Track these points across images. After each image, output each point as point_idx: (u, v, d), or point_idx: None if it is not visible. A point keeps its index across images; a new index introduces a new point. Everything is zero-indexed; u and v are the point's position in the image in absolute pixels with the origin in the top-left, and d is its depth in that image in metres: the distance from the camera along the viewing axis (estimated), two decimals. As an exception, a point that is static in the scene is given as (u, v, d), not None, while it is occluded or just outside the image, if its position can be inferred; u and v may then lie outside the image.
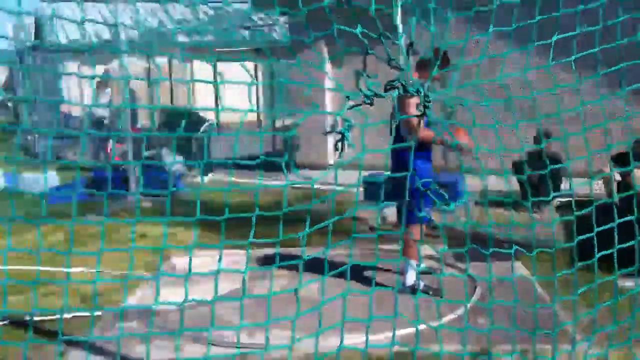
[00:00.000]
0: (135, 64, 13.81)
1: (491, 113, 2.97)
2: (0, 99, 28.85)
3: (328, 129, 2.91)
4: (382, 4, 2.87)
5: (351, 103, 2.71)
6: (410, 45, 2.78)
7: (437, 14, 2.78)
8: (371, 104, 2.72)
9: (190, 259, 2.94)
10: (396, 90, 2.76)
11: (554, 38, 3.05)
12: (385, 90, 2.82)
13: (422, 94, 2.81)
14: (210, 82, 14.10)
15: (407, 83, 2.80)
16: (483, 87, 3.00)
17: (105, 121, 12.21)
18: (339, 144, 2.70)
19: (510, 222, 3.18)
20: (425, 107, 2.84)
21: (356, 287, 4.13)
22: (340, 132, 2.67)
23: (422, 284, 5.24)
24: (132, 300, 5.46)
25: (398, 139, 4.93)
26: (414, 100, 4.31)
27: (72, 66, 17.51)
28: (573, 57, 3.10)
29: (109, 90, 12.56)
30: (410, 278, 5.27)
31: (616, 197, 4.10)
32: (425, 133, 4.73)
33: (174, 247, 6.98)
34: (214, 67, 14.64)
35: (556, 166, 3.49)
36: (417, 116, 2.84)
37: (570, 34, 3.12)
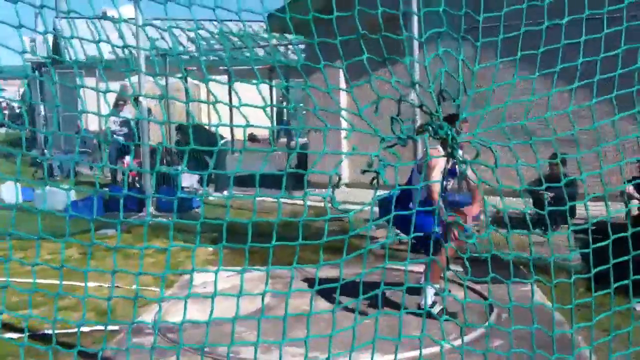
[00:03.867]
0: (150, 82, 13.93)
1: (508, 137, 3.06)
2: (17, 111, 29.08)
3: (365, 168, 3.10)
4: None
5: (386, 144, 2.94)
6: (441, 92, 2.96)
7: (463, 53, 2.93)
8: (404, 145, 2.95)
9: (216, 281, 3.00)
10: (427, 133, 2.98)
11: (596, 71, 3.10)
12: (417, 134, 3.01)
13: (450, 137, 3.00)
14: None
15: (437, 127, 3.00)
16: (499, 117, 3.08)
17: (123, 138, 12.32)
18: (375, 181, 2.91)
19: (528, 246, 3.20)
20: (452, 148, 3.03)
21: (371, 308, 4.14)
22: (376, 171, 2.88)
23: (438, 308, 5.26)
24: (148, 315, 5.49)
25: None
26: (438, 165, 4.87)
27: (88, 82, 17.68)
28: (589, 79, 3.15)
29: (127, 106, 12.69)
30: (429, 299, 5.30)
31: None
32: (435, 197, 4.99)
33: (203, 270, 6.99)
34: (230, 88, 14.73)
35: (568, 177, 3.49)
36: (444, 156, 3.02)
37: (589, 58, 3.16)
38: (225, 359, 4.36)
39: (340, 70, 3.02)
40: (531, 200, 7.48)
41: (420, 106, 2.94)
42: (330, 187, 2.77)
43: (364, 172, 2.91)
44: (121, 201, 3.12)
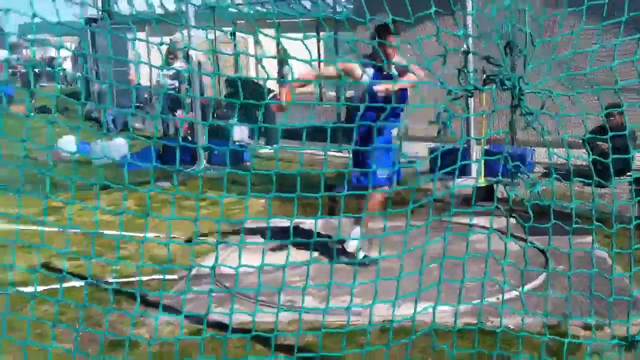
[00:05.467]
0: (199, 36, 13.94)
1: (569, 88, 3.05)
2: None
3: (433, 119, 3.26)
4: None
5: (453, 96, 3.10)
6: (508, 44, 2.98)
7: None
8: (471, 96, 3.04)
9: (269, 229, 3.08)
10: (493, 84, 3.03)
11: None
12: (484, 84, 3.05)
13: (517, 88, 3.03)
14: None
15: (504, 77, 3.04)
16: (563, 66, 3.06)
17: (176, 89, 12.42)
18: (441, 132, 3.01)
19: (590, 198, 3.19)
20: (520, 99, 3.07)
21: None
22: (443, 122, 2.98)
23: (362, 253, 5.46)
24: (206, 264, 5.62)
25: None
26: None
27: (139, 37, 17.78)
28: None
29: (179, 60, 12.76)
30: (352, 245, 5.48)
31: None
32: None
33: (256, 218, 7.08)
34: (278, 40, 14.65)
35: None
36: (510, 106, 3.08)
37: None
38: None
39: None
40: (587, 152, 7.35)
41: (487, 58, 2.95)
42: (397, 139, 2.82)
43: (431, 123, 2.96)
44: (177, 151, 3.18)
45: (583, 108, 3.09)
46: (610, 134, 3.26)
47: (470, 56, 3.31)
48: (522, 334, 3.28)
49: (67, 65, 32.62)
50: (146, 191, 3.41)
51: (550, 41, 3.13)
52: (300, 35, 3.10)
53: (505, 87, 3.05)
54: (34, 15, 2.93)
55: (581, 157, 3.23)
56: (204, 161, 10.37)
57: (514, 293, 3.88)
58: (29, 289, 4.20)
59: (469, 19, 7.56)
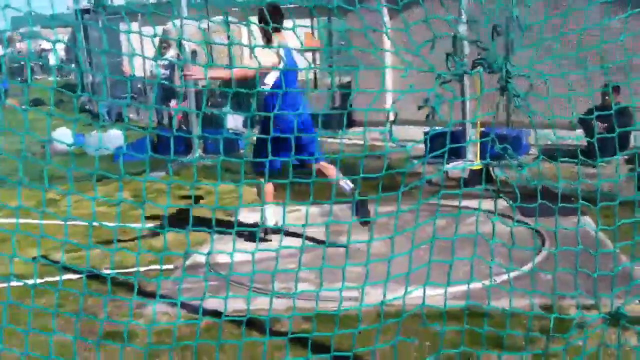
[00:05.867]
0: (191, 25, 13.84)
1: (560, 70, 3.07)
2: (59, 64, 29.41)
3: (421, 104, 3.29)
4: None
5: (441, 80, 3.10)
6: (495, 27, 3.05)
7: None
8: (460, 81, 3.04)
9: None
10: (481, 67, 3.04)
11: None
12: (472, 68, 3.08)
13: (505, 70, 3.06)
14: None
15: (491, 61, 3.07)
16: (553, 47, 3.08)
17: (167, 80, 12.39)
18: (430, 116, 3.03)
19: (577, 177, 3.21)
20: (507, 81, 3.10)
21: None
22: (432, 107, 3.00)
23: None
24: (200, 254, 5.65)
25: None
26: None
27: (131, 27, 17.64)
28: None
29: (172, 50, 12.71)
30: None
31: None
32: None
33: (251, 205, 7.14)
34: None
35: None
36: (500, 89, 3.11)
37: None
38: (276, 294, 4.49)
39: (381, 9, 3.04)
40: (583, 132, 7.38)
41: (476, 42, 2.97)
42: (388, 123, 2.84)
43: (420, 107, 2.98)
44: (172, 140, 3.18)
45: (573, 89, 3.11)
46: (595, 113, 3.29)
47: (464, 41, 3.33)
48: (509, 310, 3.31)
49: (59, 57, 32.40)
50: (142, 180, 3.42)
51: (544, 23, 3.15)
52: (290, 24, 3.12)
53: (493, 71, 3.08)
54: (30, 12, 2.93)
55: (569, 137, 3.25)
56: (199, 150, 10.39)
57: (510, 274, 3.93)
58: (28, 282, 4.23)
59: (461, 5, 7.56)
